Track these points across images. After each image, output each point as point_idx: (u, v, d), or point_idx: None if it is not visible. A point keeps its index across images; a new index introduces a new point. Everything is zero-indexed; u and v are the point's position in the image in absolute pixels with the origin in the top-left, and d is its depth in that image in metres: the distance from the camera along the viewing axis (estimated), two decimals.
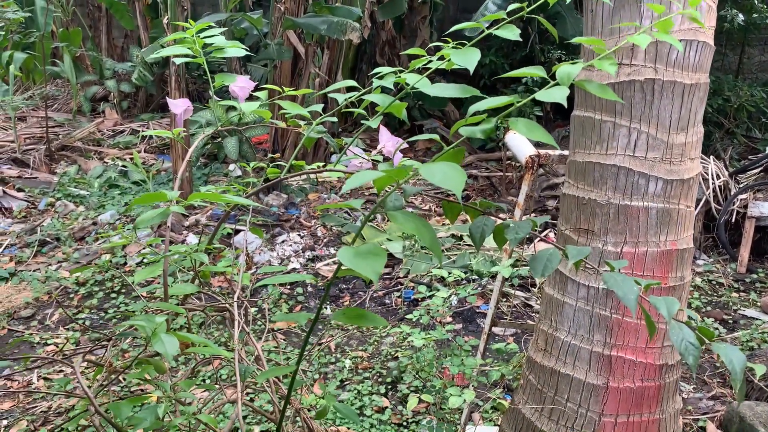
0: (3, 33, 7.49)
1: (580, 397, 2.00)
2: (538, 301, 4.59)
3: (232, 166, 6.91)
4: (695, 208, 5.48)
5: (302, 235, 5.87)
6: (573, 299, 2.02)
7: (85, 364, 3.73)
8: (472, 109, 1.05)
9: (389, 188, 1.13)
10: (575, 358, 2.01)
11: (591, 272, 1.99)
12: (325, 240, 5.81)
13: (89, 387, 1.06)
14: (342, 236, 5.79)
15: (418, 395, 2.36)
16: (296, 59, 6.51)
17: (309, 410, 1.40)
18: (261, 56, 6.30)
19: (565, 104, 0.96)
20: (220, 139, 7.05)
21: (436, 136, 1.21)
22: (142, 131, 8.00)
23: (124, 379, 3.50)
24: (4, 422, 3.39)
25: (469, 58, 1.24)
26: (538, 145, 2.42)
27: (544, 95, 1.00)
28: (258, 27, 6.48)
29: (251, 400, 3.54)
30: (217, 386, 1.46)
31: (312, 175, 7.11)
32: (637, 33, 1.03)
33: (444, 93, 1.26)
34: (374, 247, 1.01)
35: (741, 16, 6.99)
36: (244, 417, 3.45)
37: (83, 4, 9.67)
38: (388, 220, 6.35)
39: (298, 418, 1.44)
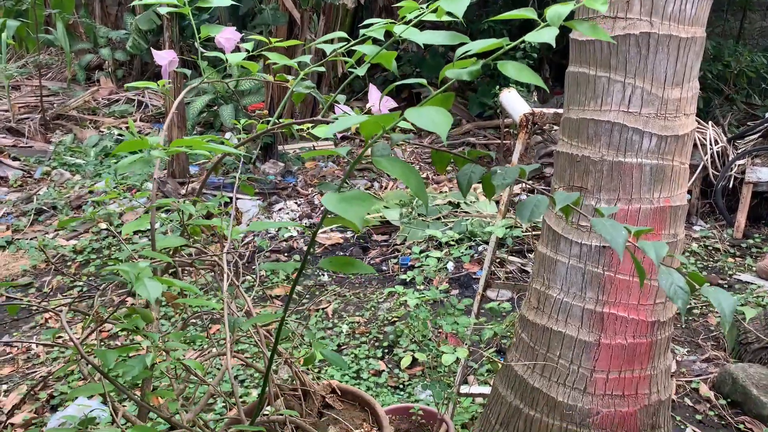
0: None
1: (572, 353, 2.01)
2: (532, 270, 4.60)
3: (228, 134, 6.87)
4: (693, 174, 5.47)
5: (299, 203, 5.86)
6: (566, 257, 2.02)
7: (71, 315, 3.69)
8: (460, 51, 1.03)
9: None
10: (567, 316, 2.02)
11: (584, 230, 1.98)
12: (321, 207, 5.80)
13: (77, 337, 1.06)
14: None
15: (413, 353, 2.37)
16: (292, 25, 6.42)
17: (301, 364, 1.41)
18: (256, 22, 6.21)
19: (554, 44, 0.94)
20: (216, 108, 7.00)
21: (423, 81, 1.19)
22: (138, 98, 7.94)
23: (117, 336, 3.52)
24: (5, 387, 3.42)
25: (457, 5, 1.21)
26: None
27: (534, 36, 0.98)
28: None
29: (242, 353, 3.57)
30: (206, 338, 1.46)
31: (308, 145, 7.07)
32: None
33: (433, 40, 1.24)
34: (361, 193, 1.00)
35: None
36: (237, 377, 3.48)
37: None
38: (385, 188, 6.34)
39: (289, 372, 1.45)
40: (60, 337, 3.80)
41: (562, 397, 2.03)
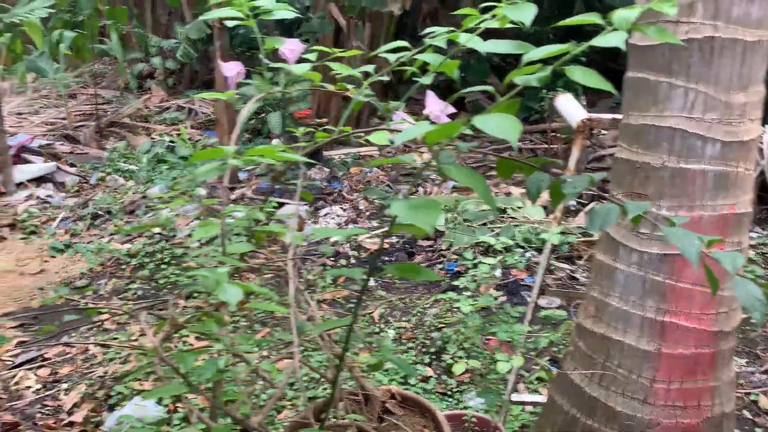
0: (52, 11, 7.65)
1: (632, 363, 1.98)
2: (585, 274, 4.53)
3: (275, 141, 6.97)
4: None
5: (344, 208, 5.91)
6: (625, 265, 1.99)
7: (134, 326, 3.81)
8: (526, 58, 1.04)
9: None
10: (627, 324, 1.99)
11: (644, 237, 1.95)
12: (367, 213, 5.84)
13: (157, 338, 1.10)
14: (384, 209, 5.81)
15: (466, 360, 2.36)
16: (338, 33, 6.50)
17: (362, 370, 1.43)
18: (303, 30, 6.30)
19: (623, 47, 0.94)
20: (263, 115, 7.11)
21: (490, 88, 1.20)
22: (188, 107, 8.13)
23: (184, 343, 3.61)
24: (65, 386, 3.54)
25: (524, 13, 1.21)
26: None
27: (601, 40, 0.98)
28: (300, 0, 6.48)
29: (306, 358, 3.61)
30: (274, 339, 1.49)
31: (353, 151, 7.13)
32: None
33: (497, 49, 1.24)
34: (427, 200, 1.01)
35: None
36: (291, 384, 3.52)
37: None
38: (429, 194, 6.33)
39: (350, 379, 1.47)
40: (115, 338, 3.91)
41: (621, 407, 2.00)
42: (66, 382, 3.57)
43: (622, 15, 1.05)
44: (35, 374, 3.64)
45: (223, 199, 1.26)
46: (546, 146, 6.95)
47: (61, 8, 7.64)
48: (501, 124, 0.98)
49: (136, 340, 3.67)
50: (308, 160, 1.15)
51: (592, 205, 5.27)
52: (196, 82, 9.34)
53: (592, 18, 1.10)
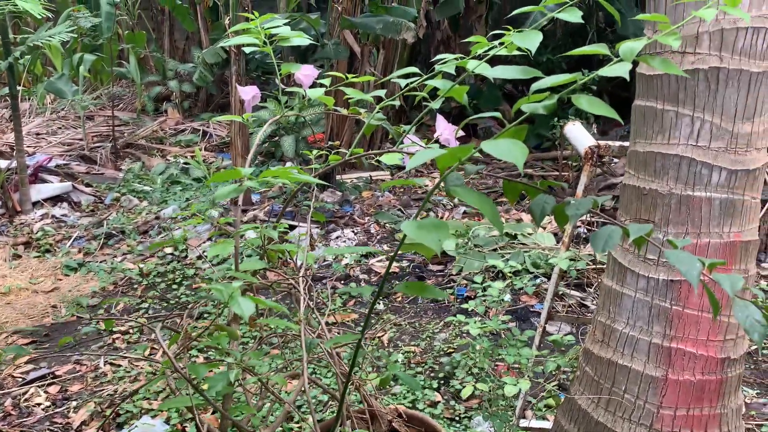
0: (74, 36, 7.84)
1: (638, 388, 1.98)
2: (594, 301, 4.52)
3: (288, 164, 7.05)
4: (762, 208, 5.30)
5: (356, 231, 5.95)
6: (632, 290, 2.00)
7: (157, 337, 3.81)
8: (535, 86, 1.07)
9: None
10: (633, 350, 2.00)
11: (651, 263, 1.97)
12: (378, 237, 5.87)
13: (172, 352, 1.13)
14: (395, 233, 5.84)
15: (474, 383, 2.37)
16: (352, 59, 6.60)
17: (369, 387, 1.45)
18: (318, 56, 6.41)
19: (628, 77, 0.98)
20: (277, 138, 7.21)
21: (498, 114, 1.24)
22: (203, 129, 8.24)
23: (195, 356, 3.63)
24: (74, 403, 3.57)
25: (530, 41, 1.26)
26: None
27: (607, 70, 1.01)
28: (316, 27, 6.60)
29: (312, 371, 3.62)
30: (284, 356, 1.52)
31: (365, 175, 7.19)
32: (703, 8, 1.03)
33: (505, 75, 1.28)
34: (437, 221, 1.04)
35: None
36: (297, 402, 3.53)
37: (147, 8, 10.04)
38: (440, 218, 6.36)
39: (357, 396, 1.49)
40: (125, 357, 3.94)
41: None
42: (75, 400, 3.60)
43: (627, 46, 1.09)
44: (45, 391, 3.67)
45: (237, 219, 1.30)
46: (557, 173, 6.98)
47: (82, 32, 7.82)
48: (508, 149, 1.01)
49: (146, 358, 3.69)
50: (321, 182, 1.19)
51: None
52: (211, 106, 9.48)
53: (599, 49, 1.15)
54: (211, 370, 1.07)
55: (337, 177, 6.90)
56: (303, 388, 1.19)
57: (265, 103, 7.11)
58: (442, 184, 1.19)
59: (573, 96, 1.04)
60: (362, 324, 4.50)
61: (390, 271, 5.25)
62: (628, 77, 1.00)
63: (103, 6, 8.01)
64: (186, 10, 9.02)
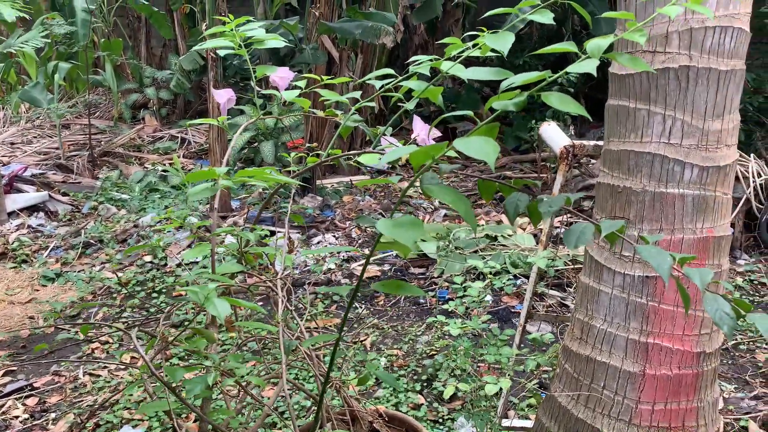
0: (48, 43, 7.76)
1: (617, 384, 2.00)
2: (574, 300, 4.56)
3: (268, 170, 7.03)
4: (736, 207, 5.38)
5: (337, 236, 5.94)
6: (609, 287, 2.03)
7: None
8: (504, 84, 1.09)
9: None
10: (611, 346, 2.02)
11: (626, 260, 1.99)
12: (359, 241, 5.87)
13: (148, 357, 1.12)
14: (377, 237, 5.85)
15: (455, 384, 2.37)
16: (331, 64, 6.60)
17: (350, 389, 1.45)
18: (296, 61, 6.41)
19: (595, 74, 0.99)
20: (256, 144, 7.19)
21: (470, 113, 1.25)
22: (181, 136, 8.19)
23: (176, 364, 3.59)
24: (53, 415, 3.51)
25: (502, 42, 1.27)
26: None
27: (575, 67, 1.03)
28: (294, 32, 6.60)
29: (294, 377, 3.61)
30: (260, 360, 1.51)
31: (346, 179, 7.19)
32: (668, 5, 1.05)
33: (478, 76, 1.30)
34: (412, 219, 1.05)
35: None
36: (277, 408, 3.52)
37: (123, 15, 9.96)
38: (422, 221, 6.38)
39: (338, 398, 1.48)
40: (106, 367, 3.90)
41: (607, 428, 2.02)
42: (54, 412, 3.54)
43: (595, 43, 1.11)
44: (23, 404, 3.62)
45: (213, 223, 1.29)
46: (536, 175, 7.03)
47: (57, 39, 7.74)
48: (480, 147, 1.03)
49: (125, 364, 3.65)
50: (297, 182, 1.19)
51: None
52: (189, 113, 9.43)
53: (567, 47, 1.16)
54: (189, 374, 1.06)
55: (318, 182, 6.89)
56: (282, 391, 1.19)
57: (243, 106, 7.09)
58: (417, 183, 1.20)
59: (543, 94, 1.05)
60: (345, 329, 4.50)
61: (372, 275, 5.25)
62: (595, 73, 1.01)
63: (78, 13, 7.94)
64: (163, 17, 8.97)
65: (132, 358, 3.96)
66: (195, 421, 2.91)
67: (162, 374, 1.06)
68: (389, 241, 1.09)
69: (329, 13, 6.26)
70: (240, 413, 1.23)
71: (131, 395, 3.53)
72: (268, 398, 2.28)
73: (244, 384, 1.20)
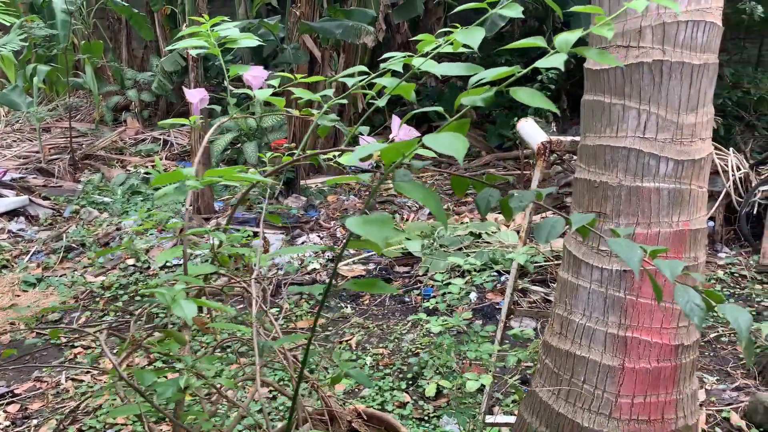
0: (27, 46, 7.67)
1: (597, 378, 2.01)
2: (554, 296, 4.58)
3: (251, 170, 7.00)
4: (715, 201, 5.44)
5: (322, 236, 5.93)
6: (587, 282, 2.04)
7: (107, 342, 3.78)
8: (474, 79, 1.09)
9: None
10: (590, 340, 2.03)
11: (604, 254, 2.00)
12: (344, 240, 5.86)
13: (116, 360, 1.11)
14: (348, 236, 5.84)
15: (437, 382, 2.37)
16: (313, 63, 6.59)
17: (327, 388, 1.44)
18: (278, 61, 6.39)
19: (563, 68, 1.00)
20: (239, 145, 7.15)
21: (440, 109, 1.24)
22: (164, 138, 8.14)
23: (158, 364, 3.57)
24: (35, 422, 3.48)
25: (473, 37, 1.27)
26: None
27: (544, 62, 1.03)
28: (275, 32, 6.57)
29: (279, 379, 3.59)
30: (236, 361, 1.50)
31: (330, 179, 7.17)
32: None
33: (450, 71, 1.29)
34: (383, 216, 1.04)
35: (760, 8, 6.92)
36: (259, 410, 3.50)
37: (104, 17, 9.87)
38: (406, 220, 6.38)
39: (316, 396, 1.48)
40: (95, 367, 3.86)
41: (588, 422, 2.03)
42: (36, 418, 3.51)
43: (563, 38, 1.11)
44: (4, 410, 3.57)
45: (185, 224, 1.28)
46: (519, 172, 7.06)
47: (36, 42, 7.65)
48: (449, 142, 1.02)
49: (102, 372, 3.62)
50: (269, 181, 1.18)
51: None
52: (172, 114, 9.36)
53: (535, 42, 1.16)
54: (159, 377, 1.06)
55: (302, 182, 6.87)
56: (256, 391, 1.18)
57: (229, 107, 7.04)
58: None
59: (511, 89, 1.05)
60: (329, 328, 4.49)
61: (357, 274, 5.25)
62: (563, 67, 1.01)
63: (57, 14, 7.85)
64: (143, 18, 8.90)
65: (114, 335, 3.93)
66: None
67: (132, 378, 1.05)
68: (361, 240, 1.09)
69: (310, 12, 6.24)
70: (214, 415, 1.22)
71: (115, 400, 3.50)
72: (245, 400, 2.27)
73: (218, 386, 1.19)
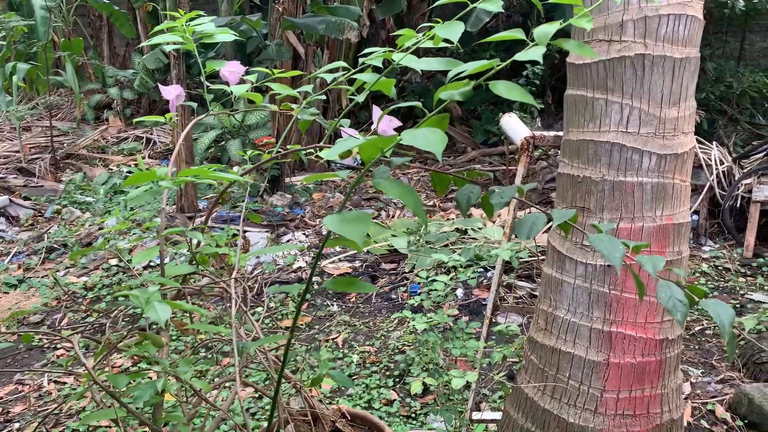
0: (5, 44, 7.56)
1: (582, 374, 2.01)
2: (539, 292, 4.59)
3: (236, 169, 6.95)
4: (699, 194, 5.47)
5: (307, 234, 5.90)
6: (571, 277, 2.03)
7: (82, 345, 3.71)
8: (452, 73, 1.07)
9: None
10: (575, 336, 2.02)
11: (588, 249, 1.99)
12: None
13: (91, 366, 1.08)
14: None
15: (423, 379, 2.36)
16: (296, 60, 6.54)
17: (310, 389, 1.42)
18: (261, 57, 6.33)
19: (541, 60, 0.98)
20: (223, 143, 7.10)
21: (418, 104, 1.22)
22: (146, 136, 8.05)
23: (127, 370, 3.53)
24: (17, 425, 3.43)
25: (452, 31, 1.25)
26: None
27: (523, 55, 1.01)
28: (257, 28, 6.52)
29: (265, 380, 3.55)
30: (215, 363, 1.48)
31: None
32: None
33: (430, 66, 1.27)
34: (360, 214, 1.02)
35: (742, 2, 6.97)
36: (247, 409, 3.47)
37: (84, 14, 9.75)
38: (392, 217, 6.37)
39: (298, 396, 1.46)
40: (70, 372, 3.81)
41: (574, 418, 2.02)
42: (18, 422, 3.45)
43: (542, 30, 1.10)
44: None
45: (161, 224, 1.25)
46: (504, 168, 7.06)
47: (15, 39, 7.54)
48: (427, 138, 1.00)
49: (70, 372, 3.57)
50: (239, 178, 1.16)
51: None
52: (154, 112, 9.27)
53: (514, 35, 1.15)
54: (135, 381, 1.03)
55: (287, 179, 6.83)
56: (236, 393, 1.16)
57: (211, 104, 6.97)
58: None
59: (490, 83, 1.03)
60: (315, 326, 4.46)
61: (343, 272, 5.22)
62: (541, 60, 1.00)
63: (37, 11, 7.74)
64: (124, 15, 8.79)
65: (90, 338, 3.87)
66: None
67: (106, 383, 1.02)
68: (340, 238, 1.07)
69: (293, 8, 6.19)
70: (193, 418, 1.20)
71: (72, 400, 3.45)
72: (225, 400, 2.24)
73: (198, 389, 1.16)
